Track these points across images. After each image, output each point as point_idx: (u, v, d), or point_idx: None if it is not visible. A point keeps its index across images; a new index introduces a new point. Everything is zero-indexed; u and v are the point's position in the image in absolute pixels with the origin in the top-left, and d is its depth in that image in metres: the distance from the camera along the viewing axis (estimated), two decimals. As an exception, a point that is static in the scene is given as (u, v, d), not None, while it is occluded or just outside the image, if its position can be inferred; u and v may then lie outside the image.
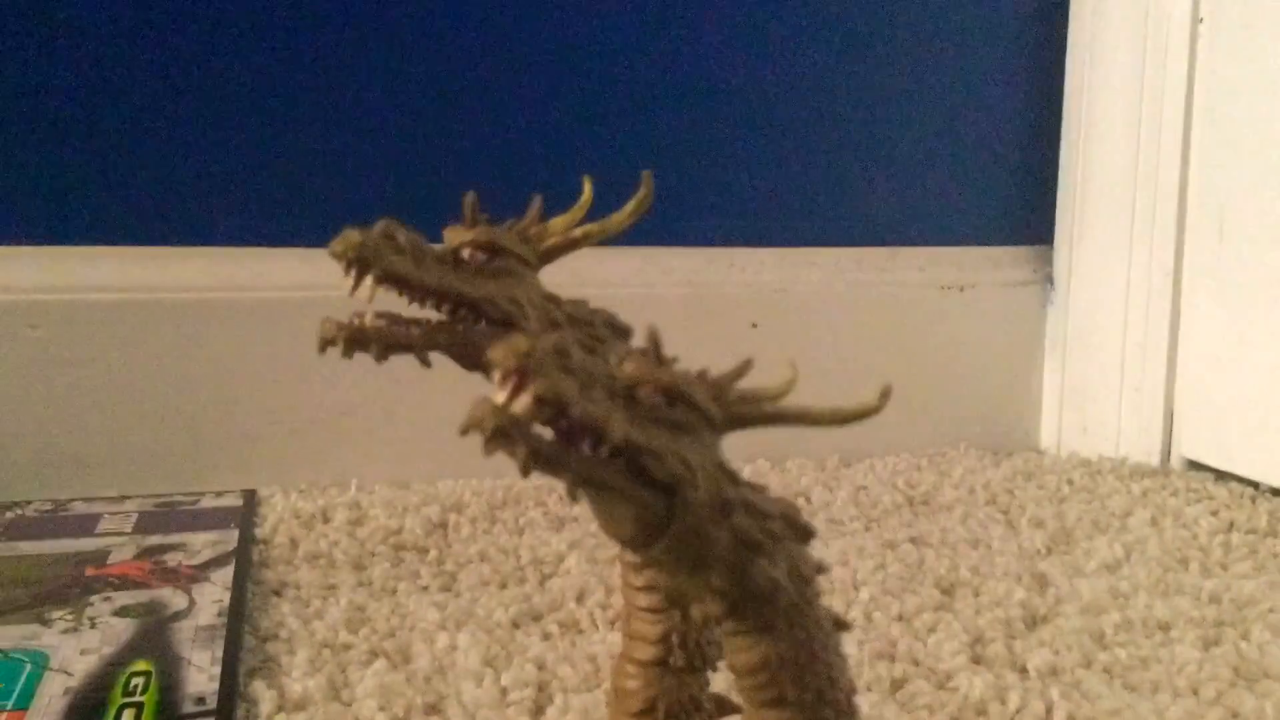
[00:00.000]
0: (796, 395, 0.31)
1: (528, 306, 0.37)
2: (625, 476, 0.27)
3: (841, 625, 0.32)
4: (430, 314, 0.37)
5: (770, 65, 0.97)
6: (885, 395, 0.30)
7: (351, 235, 0.35)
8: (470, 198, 0.38)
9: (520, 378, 0.27)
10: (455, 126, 0.90)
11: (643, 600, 0.36)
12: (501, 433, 0.26)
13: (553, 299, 0.39)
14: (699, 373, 0.30)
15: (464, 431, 0.27)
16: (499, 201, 0.44)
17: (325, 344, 0.35)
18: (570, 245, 0.40)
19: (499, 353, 0.27)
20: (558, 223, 0.40)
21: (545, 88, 0.92)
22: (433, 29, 0.88)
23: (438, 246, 0.37)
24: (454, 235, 0.38)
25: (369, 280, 0.35)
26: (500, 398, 0.27)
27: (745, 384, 0.31)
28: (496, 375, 0.27)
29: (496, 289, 0.37)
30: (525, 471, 0.27)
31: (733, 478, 0.29)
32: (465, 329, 0.36)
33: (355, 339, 0.35)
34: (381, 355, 0.35)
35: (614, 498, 0.28)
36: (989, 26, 1.03)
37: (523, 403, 0.27)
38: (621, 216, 0.40)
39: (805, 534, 0.31)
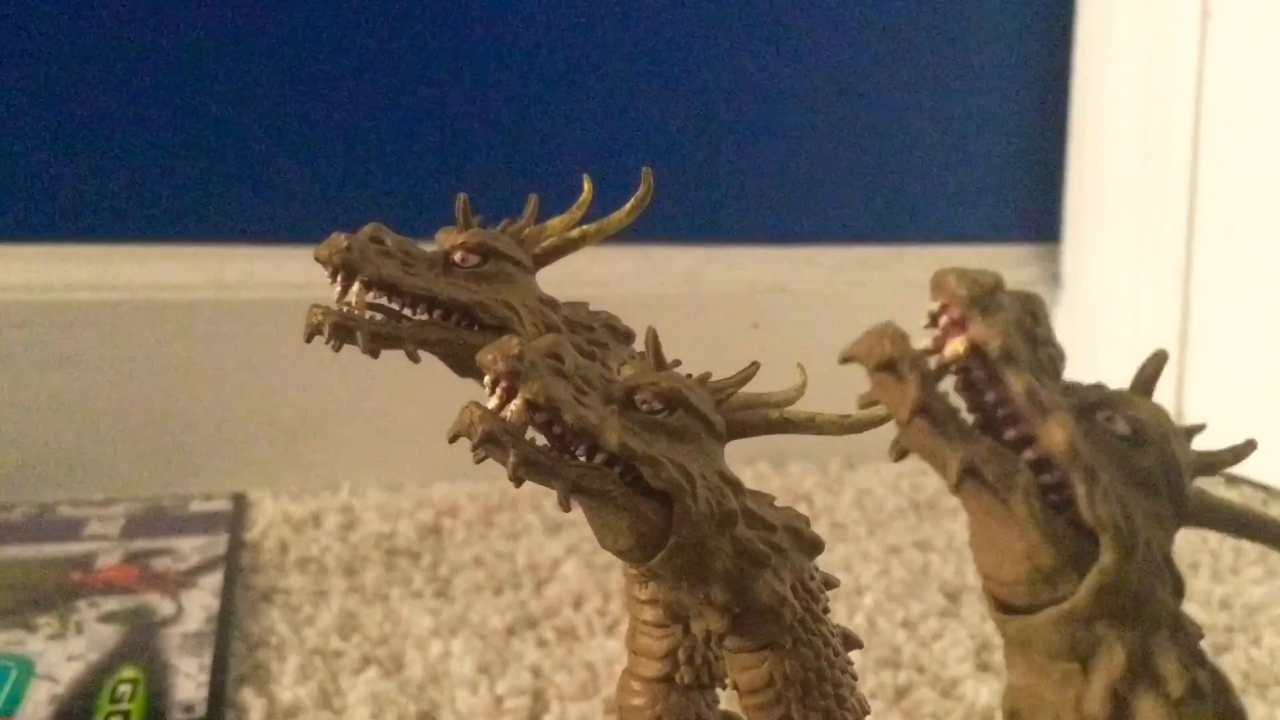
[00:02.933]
0: (799, 398, 0.30)
1: (522, 310, 0.36)
2: (621, 485, 0.27)
3: (852, 643, 0.31)
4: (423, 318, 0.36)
5: (772, 60, 0.96)
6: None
7: (338, 240, 0.34)
8: (462, 199, 0.37)
9: (511, 381, 0.26)
10: (451, 122, 0.89)
11: (648, 614, 0.35)
12: (491, 438, 0.25)
13: (550, 302, 0.38)
14: (700, 377, 0.29)
15: (453, 437, 0.26)
16: (495, 201, 0.43)
17: (312, 332, 0.34)
18: (568, 246, 0.39)
19: (488, 355, 0.26)
20: (555, 223, 0.39)
21: (542, 83, 0.90)
22: (425, 22, 0.87)
23: (429, 250, 0.36)
24: (446, 238, 0.37)
25: (356, 286, 0.34)
26: (491, 402, 0.26)
27: (749, 389, 0.30)
28: (487, 379, 0.26)
29: (489, 293, 0.36)
30: (516, 479, 0.26)
31: (736, 487, 0.28)
32: (457, 331, 0.36)
33: (342, 327, 0.34)
34: (370, 347, 0.34)
35: (609, 507, 0.27)
36: (995, 20, 1.02)
37: (513, 407, 0.26)
38: (621, 215, 0.39)
39: (813, 547, 0.30)
